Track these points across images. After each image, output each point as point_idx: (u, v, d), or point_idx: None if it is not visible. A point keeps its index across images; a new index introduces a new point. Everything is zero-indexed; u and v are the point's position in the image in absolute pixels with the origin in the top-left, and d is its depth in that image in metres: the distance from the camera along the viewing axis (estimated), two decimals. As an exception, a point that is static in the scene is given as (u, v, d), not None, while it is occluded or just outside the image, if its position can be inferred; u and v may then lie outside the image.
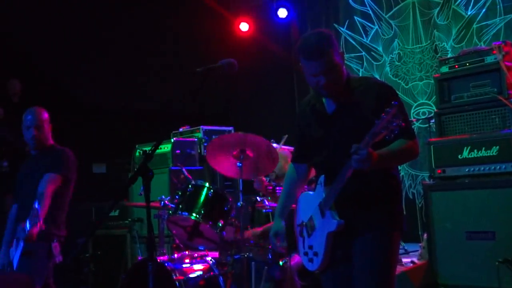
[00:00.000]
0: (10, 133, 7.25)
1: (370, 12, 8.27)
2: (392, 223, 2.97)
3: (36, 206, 3.99)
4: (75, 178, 4.65)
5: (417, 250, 5.73)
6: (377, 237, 2.90)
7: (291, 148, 4.34)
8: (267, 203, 4.92)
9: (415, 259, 5.55)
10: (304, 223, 3.11)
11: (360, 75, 8.26)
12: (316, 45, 2.85)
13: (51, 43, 8.45)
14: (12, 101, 8.19)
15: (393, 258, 2.96)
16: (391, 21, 8.05)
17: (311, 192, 3.11)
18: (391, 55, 8.01)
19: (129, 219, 6.68)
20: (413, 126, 2.85)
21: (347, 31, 8.50)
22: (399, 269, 5.21)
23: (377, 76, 8.08)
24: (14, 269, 4.24)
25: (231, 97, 9.67)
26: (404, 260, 5.58)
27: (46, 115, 4.69)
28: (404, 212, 3.21)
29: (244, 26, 9.13)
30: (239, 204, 4.64)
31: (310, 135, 3.11)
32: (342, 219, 2.87)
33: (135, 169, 7.13)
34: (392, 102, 2.55)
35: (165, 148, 6.78)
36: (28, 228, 3.97)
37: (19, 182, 4.69)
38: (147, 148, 6.89)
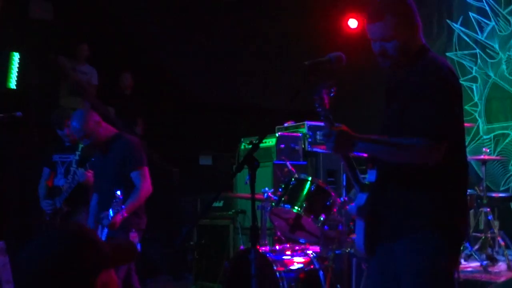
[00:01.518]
0: (124, 126, 7.68)
1: (487, 8, 8.05)
2: (441, 228, 2.61)
3: (118, 194, 4.23)
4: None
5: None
6: (417, 245, 2.60)
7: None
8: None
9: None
10: None
11: (473, 73, 8.09)
12: (376, 5, 2.68)
13: (164, 37, 8.72)
14: (125, 94, 8.57)
15: (438, 276, 2.59)
16: (509, 17, 7.81)
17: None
18: (508, 53, 7.77)
19: (233, 210, 6.80)
20: (442, 128, 2.51)
21: (461, 28, 8.33)
22: (509, 274, 5.06)
23: (492, 75, 7.87)
24: None
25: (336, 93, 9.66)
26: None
27: (91, 119, 4.73)
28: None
29: (352, 23, 8.96)
30: (341, 199, 4.64)
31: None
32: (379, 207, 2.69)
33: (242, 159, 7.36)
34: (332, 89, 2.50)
35: (270, 142, 6.86)
36: (111, 215, 4.22)
37: (97, 174, 4.94)
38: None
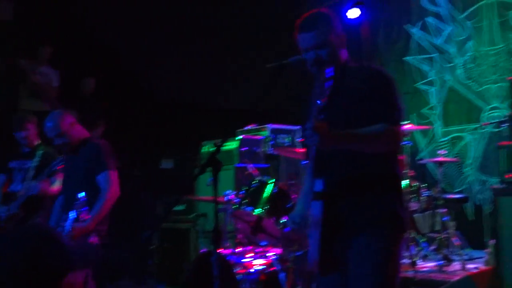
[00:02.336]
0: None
1: (444, 13, 8.19)
2: (394, 221, 2.79)
3: (81, 196, 4.27)
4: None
5: (483, 257, 5.70)
6: (376, 237, 2.74)
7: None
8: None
9: (481, 265, 5.52)
10: None
11: (432, 77, 8.22)
12: (309, 18, 2.88)
13: (124, 37, 8.69)
14: (85, 97, 8.47)
15: (394, 264, 2.78)
16: (465, 22, 7.94)
17: None
18: (464, 57, 7.91)
19: (194, 214, 6.79)
20: (400, 115, 2.80)
21: (419, 32, 8.43)
22: (463, 273, 5.21)
23: (449, 78, 8.02)
24: None
25: (300, 95, 9.69)
26: (469, 266, 5.55)
27: (66, 119, 4.79)
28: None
29: None
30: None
31: None
32: (336, 211, 2.74)
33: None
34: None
35: (232, 145, 6.90)
36: (71, 218, 4.26)
37: (65, 176, 4.96)
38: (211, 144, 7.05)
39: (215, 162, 2.87)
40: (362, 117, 2.74)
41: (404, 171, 5.83)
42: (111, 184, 4.66)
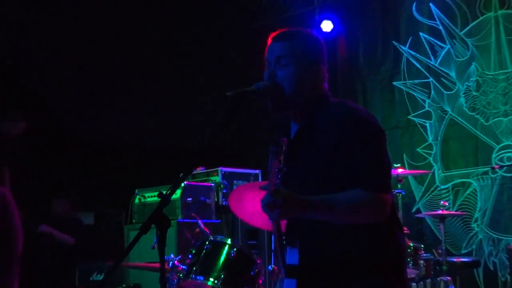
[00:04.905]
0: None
1: (441, 28, 8.31)
2: None
3: None
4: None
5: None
6: None
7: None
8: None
9: None
10: None
11: (427, 107, 8.32)
12: (289, 30, 2.99)
13: (47, 71, 8.95)
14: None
15: None
16: (467, 40, 8.08)
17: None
18: (467, 83, 8.02)
19: (123, 285, 6.69)
20: (387, 176, 2.83)
21: (410, 51, 8.54)
22: None
23: (449, 109, 8.12)
24: None
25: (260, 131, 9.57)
26: None
27: None
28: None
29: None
30: (270, 267, 4.74)
31: None
32: None
33: (133, 219, 7.15)
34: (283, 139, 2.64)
35: (173, 194, 6.85)
36: None
37: None
38: (150, 194, 7.02)
39: (161, 218, 2.83)
40: (332, 178, 2.78)
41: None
42: None
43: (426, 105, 8.32)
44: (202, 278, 4.71)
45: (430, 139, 8.24)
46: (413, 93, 8.45)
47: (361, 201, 2.70)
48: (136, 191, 7.13)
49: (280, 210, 2.58)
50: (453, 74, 8.17)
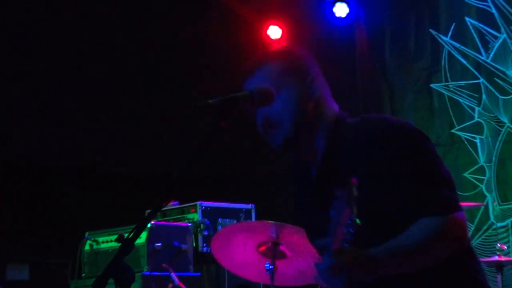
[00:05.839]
0: None
1: (494, 11, 8.00)
2: None
3: None
4: None
5: None
6: None
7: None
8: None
9: None
10: None
11: (476, 117, 8.14)
12: (253, 59, 3.07)
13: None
14: None
15: None
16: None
17: None
18: (529, 84, 8.01)
19: None
20: (450, 189, 2.60)
21: (453, 42, 8.30)
22: None
23: (506, 120, 7.92)
24: None
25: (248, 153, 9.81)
26: None
27: None
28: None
29: (274, 32, 9.18)
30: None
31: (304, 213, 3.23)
32: None
33: (83, 273, 7.26)
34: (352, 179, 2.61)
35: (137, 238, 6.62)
36: None
37: None
38: (105, 238, 6.91)
39: (121, 270, 2.70)
40: (384, 217, 2.76)
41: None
42: None
43: (476, 115, 8.16)
44: None
45: (482, 160, 8.11)
46: (458, 99, 8.27)
47: (432, 232, 2.69)
48: (86, 234, 7.06)
49: (347, 275, 2.62)
50: (510, 73, 7.93)
